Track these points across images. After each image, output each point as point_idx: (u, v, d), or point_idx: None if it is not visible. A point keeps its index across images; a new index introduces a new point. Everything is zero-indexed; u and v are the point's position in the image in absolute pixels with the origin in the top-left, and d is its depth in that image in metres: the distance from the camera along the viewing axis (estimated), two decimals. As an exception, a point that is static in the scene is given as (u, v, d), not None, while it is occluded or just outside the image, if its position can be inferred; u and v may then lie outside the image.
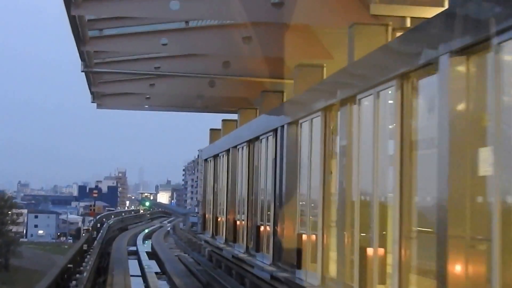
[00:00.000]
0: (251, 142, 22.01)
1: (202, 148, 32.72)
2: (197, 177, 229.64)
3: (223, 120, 29.92)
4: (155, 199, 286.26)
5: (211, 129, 32.89)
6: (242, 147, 23.17)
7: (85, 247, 30.02)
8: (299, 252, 15.59)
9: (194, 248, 40.73)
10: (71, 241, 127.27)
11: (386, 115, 10.99)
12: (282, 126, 17.57)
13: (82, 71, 24.08)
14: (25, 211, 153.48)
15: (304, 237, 15.50)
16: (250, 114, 25.16)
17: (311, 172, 15.29)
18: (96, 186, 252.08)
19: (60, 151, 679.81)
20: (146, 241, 61.77)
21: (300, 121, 16.22)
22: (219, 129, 32.25)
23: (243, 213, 22.65)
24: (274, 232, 18.28)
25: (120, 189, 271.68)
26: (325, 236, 14.18)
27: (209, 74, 24.93)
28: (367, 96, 11.67)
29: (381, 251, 10.98)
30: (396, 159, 10.25)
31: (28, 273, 70.75)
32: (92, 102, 32.12)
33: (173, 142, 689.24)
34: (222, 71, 24.04)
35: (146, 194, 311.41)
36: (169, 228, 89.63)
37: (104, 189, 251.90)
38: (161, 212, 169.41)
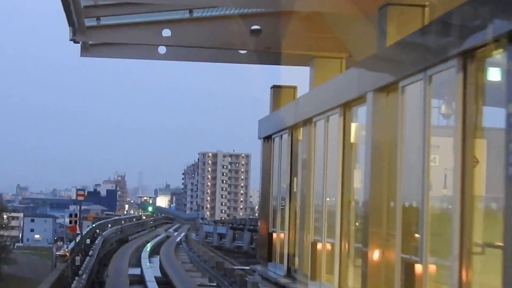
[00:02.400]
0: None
1: (261, 119, 19.07)
2: (197, 180, 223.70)
3: (315, 58, 15.97)
4: (154, 203, 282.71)
5: (274, 86, 19.24)
6: (411, 83, 9.52)
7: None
8: None
9: (233, 279, 26.77)
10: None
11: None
12: None
13: None
14: (20, 214, 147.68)
15: None
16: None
17: None
18: (95, 190, 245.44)
19: (59, 154, 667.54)
20: (153, 259, 48.88)
21: None
22: (291, 86, 18.93)
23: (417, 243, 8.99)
24: None
25: (119, 192, 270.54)
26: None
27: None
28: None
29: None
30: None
31: (20, 282, 63.71)
32: (72, 40, 18.68)
33: (173, 145, 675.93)
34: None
35: (145, 198, 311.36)
36: (178, 239, 76.09)
37: (103, 193, 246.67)
38: (164, 217, 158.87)
